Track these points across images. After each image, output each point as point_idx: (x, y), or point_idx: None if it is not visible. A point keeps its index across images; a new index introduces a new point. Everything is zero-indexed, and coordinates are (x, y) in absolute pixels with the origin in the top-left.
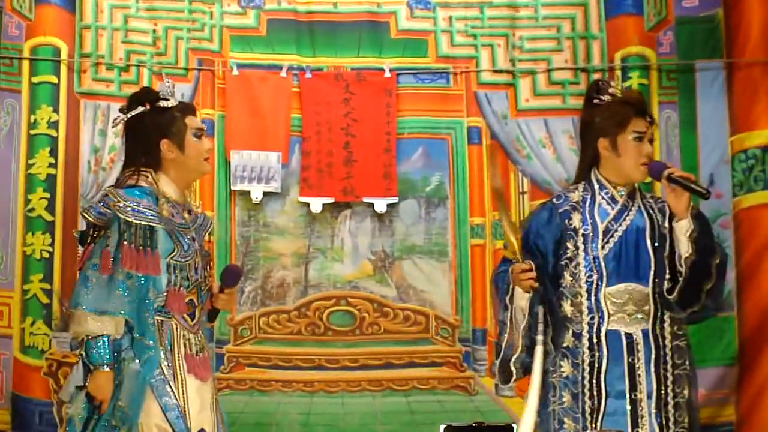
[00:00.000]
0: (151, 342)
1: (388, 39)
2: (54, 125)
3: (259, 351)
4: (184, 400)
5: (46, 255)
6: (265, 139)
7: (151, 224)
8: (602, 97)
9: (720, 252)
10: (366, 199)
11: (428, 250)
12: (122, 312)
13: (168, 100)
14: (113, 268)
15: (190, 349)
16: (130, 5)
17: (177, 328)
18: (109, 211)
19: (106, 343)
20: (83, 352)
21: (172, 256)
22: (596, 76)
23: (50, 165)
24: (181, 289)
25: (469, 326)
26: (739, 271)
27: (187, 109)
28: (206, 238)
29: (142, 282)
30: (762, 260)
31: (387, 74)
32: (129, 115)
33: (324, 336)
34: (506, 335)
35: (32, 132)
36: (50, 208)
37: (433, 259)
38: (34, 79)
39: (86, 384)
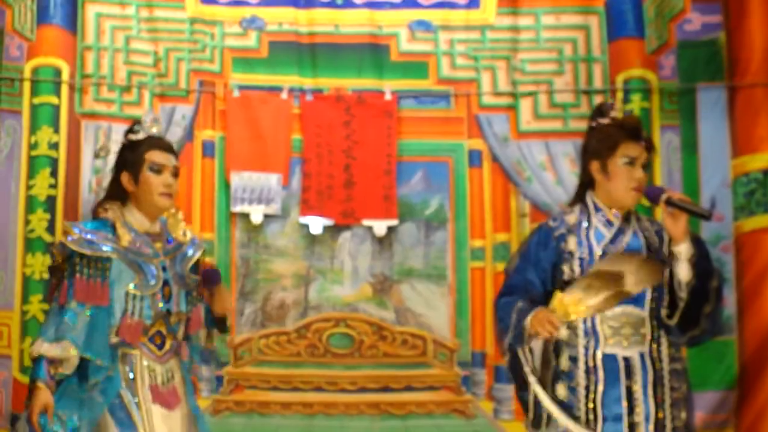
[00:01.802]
0: (111, 371)
1: (389, 61)
2: (55, 146)
3: (258, 373)
4: (148, 429)
5: (45, 276)
6: (266, 160)
7: (103, 255)
8: (600, 120)
9: (717, 274)
10: (366, 222)
11: (427, 273)
12: (70, 338)
13: (137, 133)
14: (66, 299)
15: (155, 380)
16: (132, 26)
17: (141, 359)
18: (66, 245)
19: (43, 363)
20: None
21: (132, 285)
22: (598, 98)
23: (51, 186)
24: (140, 318)
25: (468, 349)
26: (739, 295)
27: (152, 143)
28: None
29: (93, 312)
30: (763, 284)
31: (388, 97)
32: (108, 150)
33: (323, 358)
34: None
35: (33, 153)
36: (50, 229)
37: (432, 283)
38: (35, 100)
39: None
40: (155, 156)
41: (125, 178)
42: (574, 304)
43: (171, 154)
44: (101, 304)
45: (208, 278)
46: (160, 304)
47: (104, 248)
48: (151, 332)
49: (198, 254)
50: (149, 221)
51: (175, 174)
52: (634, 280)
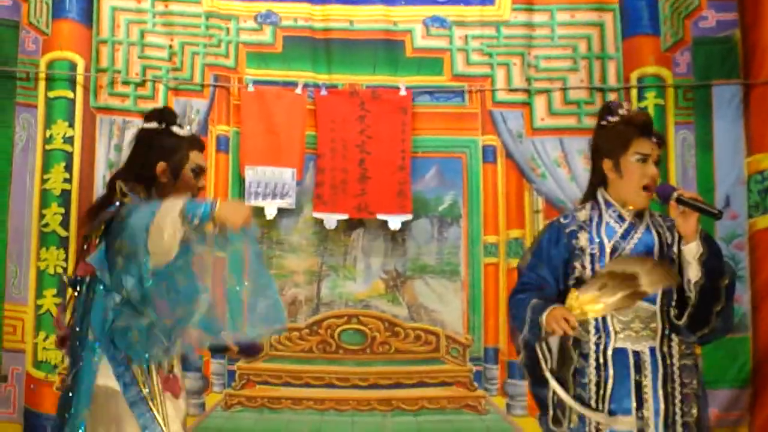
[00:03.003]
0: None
1: (404, 57)
2: (69, 140)
3: (270, 368)
4: (164, 417)
5: (60, 270)
6: (280, 155)
7: None
8: (610, 118)
9: (729, 272)
10: (380, 216)
11: (440, 269)
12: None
13: (182, 127)
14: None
15: (164, 368)
16: (147, 20)
17: None
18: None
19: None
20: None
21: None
22: (612, 95)
23: (65, 180)
24: None
25: (481, 345)
26: (753, 293)
27: (195, 143)
28: None
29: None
30: None
31: (403, 92)
32: (142, 127)
33: (335, 354)
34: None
35: (48, 147)
36: (65, 223)
37: (445, 279)
38: (51, 94)
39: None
40: (198, 158)
41: (161, 168)
42: (591, 303)
43: (203, 154)
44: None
45: (247, 351)
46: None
47: None
48: None
49: None
50: None
51: (204, 176)
52: (648, 281)
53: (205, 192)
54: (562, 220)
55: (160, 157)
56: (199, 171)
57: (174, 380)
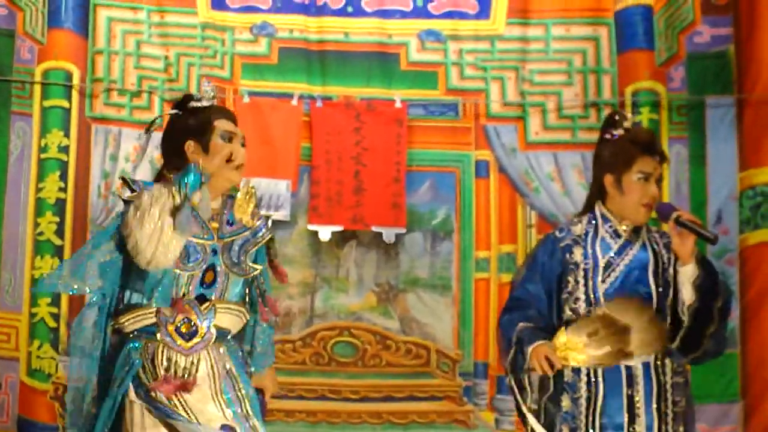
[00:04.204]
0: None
1: (398, 70)
2: (65, 149)
3: None
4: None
5: None
6: (275, 166)
7: None
8: (614, 132)
9: (723, 294)
10: (375, 228)
11: (432, 283)
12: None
13: (200, 101)
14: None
15: (174, 373)
16: (143, 31)
17: (161, 349)
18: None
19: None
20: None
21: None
22: (606, 110)
23: (60, 189)
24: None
25: (471, 360)
26: (742, 308)
27: (220, 111)
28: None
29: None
30: (767, 297)
31: (398, 104)
32: (161, 120)
33: (327, 366)
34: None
35: (43, 156)
36: (59, 232)
37: (437, 293)
38: (46, 103)
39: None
40: (225, 124)
41: (191, 147)
42: (577, 351)
43: (236, 125)
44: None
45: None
46: (185, 288)
47: None
48: (177, 319)
49: (262, 241)
50: (212, 196)
51: (243, 144)
52: (638, 342)
53: (243, 161)
54: (557, 233)
55: (185, 137)
56: (230, 136)
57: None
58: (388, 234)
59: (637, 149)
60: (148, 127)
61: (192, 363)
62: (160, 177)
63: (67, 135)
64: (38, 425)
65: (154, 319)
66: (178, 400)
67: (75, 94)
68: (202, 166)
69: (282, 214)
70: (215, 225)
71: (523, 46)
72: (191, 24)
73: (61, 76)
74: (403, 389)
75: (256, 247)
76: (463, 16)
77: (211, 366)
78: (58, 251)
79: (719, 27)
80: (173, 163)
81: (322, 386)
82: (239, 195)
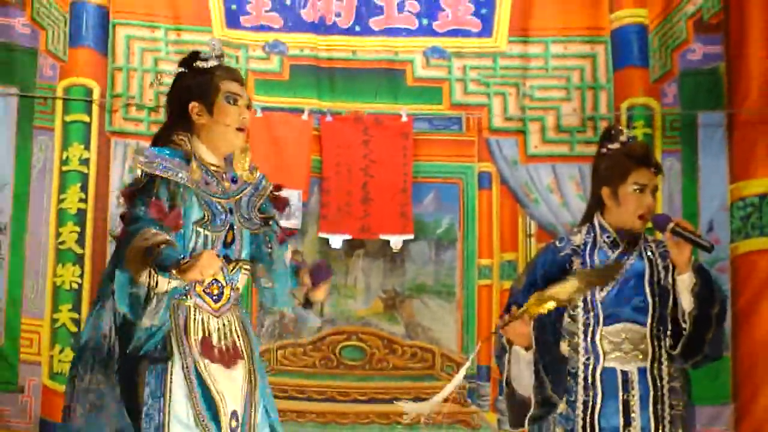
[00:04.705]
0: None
1: (405, 86)
2: (85, 162)
3: (276, 382)
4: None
5: (75, 286)
6: (287, 177)
7: (179, 182)
8: (610, 146)
9: (719, 299)
10: (383, 236)
11: (437, 290)
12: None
13: (206, 60)
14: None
15: (209, 335)
16: (160, 48)
17: (194, 311)
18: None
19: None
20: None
21: (200, 223)
22: (603, 125)
23: (81, 200)
24: None
25: (475, 363)
26: (734, 314)
27: (227, 72)
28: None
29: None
30: (757, 304)
31: (404, 119)
32: (167, 80)
33: (336, 370)
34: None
35: (64, 168)
36: (80, 241)
37: (441, 299)
38: (67, 118)
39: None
40: (231, 86)
41: (195, 108)
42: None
43: (244, 86)
44: (174, 229)
45: (318, 273)
46: (220, 250)
47: (180, 175)
48: (206, 281)
49: (265, 194)
50: (216, 157)
51: (249, 107)
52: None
53: (246, 124)
54: (557, 243)
55: (189, 98)
56: (234, 98)
57: (226, 349)
58: (396, 241)
59: (632, 162)
60: (155, 81)
61: (224, 324)
62: (164, 139)
63: (87, 148)
64: (60, 427)
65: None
66: (206, 369)
67: (95, 109)
68: (206, 127)
69: (293, 223)
70: (227, 184)
71: (524, 63)
72: (206, 42)
73: (82, 92)
74: (410, 391)
75: (262, 200)
76: (466, 34)
77: (238, 330)
78: (79, 259)
79: (711, 45)
80: (179, 125)
81: (331, 388)
82: (236, 151)
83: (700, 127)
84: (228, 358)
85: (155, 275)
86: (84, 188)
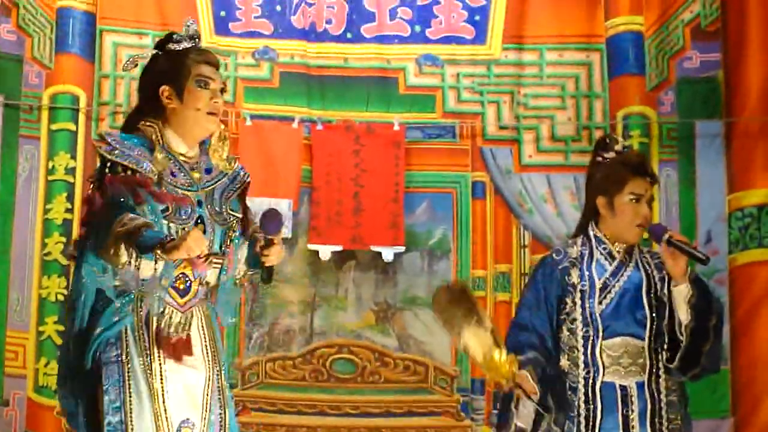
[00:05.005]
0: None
1: (397, 94)
2: (71, 171)
3: (265, 396)
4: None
5: (61, 297)
6: (277, 186)
7: (142, 171)
8: (605, 155)
9: (716, 311)
10: (374, 248)
11: (429, 302)
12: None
13: (179, 42)
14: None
15: (168, 328)
16: (148, 55)
17: (156, 305)
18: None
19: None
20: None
21: (164, 215)
22: (598, 134)
23: (67, 210)
24: None
25: (468, 376)
26: (732, 326)
27: (199, 54)
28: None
29: None
30: (755, 316)
31: (396, 127)
32: (138, 62)
33: (327, 383)
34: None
35: (50, 178)
36: (66, 252)
37: None
38: (53, 126)
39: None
40: (202, 69)
41: (166, 92)
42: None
43: (218, 69)
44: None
45: (269, 221)
46: None
47: (144, 165)
48: (173, 275)
49: (241, 187)
50: (187, 145)
51: (223, 91)
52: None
53: (217, 109)
54: (554, 256)
55: (160, 81)
56: (205, 81)
57: (179, 342)
58: (387, 253)
59: (628, 171)
60: (127, 63)
61: (187, 319)
62: (132, 126)
63: (73, 157)
64: None
65: (149, 274)
66: (160, 367)
67: (82, 118)
68: (177, 112)
69: (283, 233)
70: (197, 175)
71: (518, 70)
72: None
73: (68, 99)
74: (402, 405)
75: (236, 193)
76: (460, 41)
77: (201, 326)
78: (65, 271)
79: (708, 53)
80: (149, 108)
81: (322, 402)
82: (213, 139)
83: (697, 136)
84: (180, 352)
85: (138, 258)
86: (70, 198)
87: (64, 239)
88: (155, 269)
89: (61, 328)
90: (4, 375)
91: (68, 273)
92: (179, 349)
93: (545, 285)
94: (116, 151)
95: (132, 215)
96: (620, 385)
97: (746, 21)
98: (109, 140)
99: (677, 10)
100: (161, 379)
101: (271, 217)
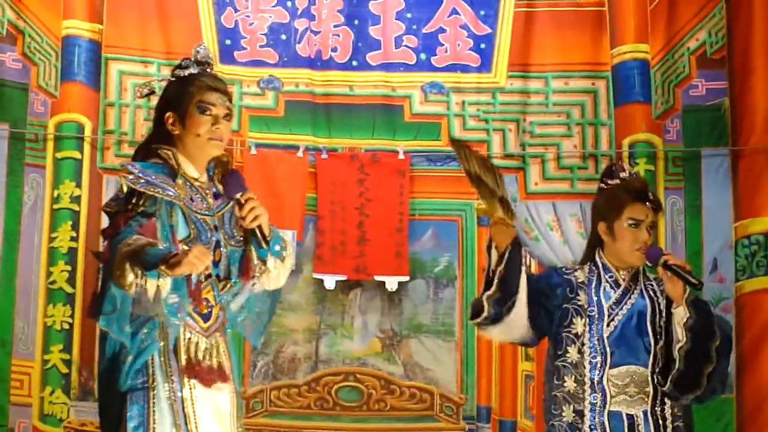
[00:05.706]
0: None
1: (402, 122)
2: (76, 200)
3: (270, 424)
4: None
5: (66, 326)
6: (282, 216)
7: (166, 198)
8: (609, 182)
9: (721, 333)
10: (377, 278)
11: (435, 329)
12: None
13: (185, 68)
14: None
15: (196, 355)
16: (153, 84)
17: (184, 330)
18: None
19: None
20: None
21: (185, 241)
22: (604, 161)
23: (72, 238)
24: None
25: (474, 404)
26: (738, 354)
27: (205, 80)
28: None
29: None
30: (762, 344)
31: (401, 156)
32: (152, 89)
33: (332, 411)
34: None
35: (55, 206)
36: (71, 280)
37: (440, 339)
38: (58, 155)
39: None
40: (205, 95)
41: (170, 119)
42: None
43: (224, 95)
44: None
45: (229, 183)
46: (211, 268)
47: (169, 192)
48: (188, 297)
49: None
50: (197, 171)
51: (228, 117)
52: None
53: (229, 135)
54: (563, 269)
55: (166, 108)
56: (206, 108)
57: (210, 369)
58: (391, 282)
59: (628, 196)
60: (143, 89)
61: (212, 345)
62: (144, 152)
63: (79, 186)
64: None
65: (175, 299)
66: (190, 392)
67: (87, 146)
68: (181, 138)
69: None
70: (210, 200)
71: (524, 98)
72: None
73: (74, 128)
74: None
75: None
76: (465, 69)
77: (224, 351)
78: (70, 299)
79: (714, 80)
80: (158, 134)
81: (327, 430)
82: (218, 167)
83: (703, 163)
84: (212, 378)
85: (143, 277)
86: (75, 226)
87: (69, 268)
88: (158, 285)
89: (67, 356)
90: (10, 404)
91: (73, 301)
92: (210, 375)
93: (549, 285)
94: (141, 181)
95: (136, 236)
96: (627, 414)
97: (752, 49)
98: (133, 170)
99: (683, 38)
100: (192, 403)
101: (231, 178)
